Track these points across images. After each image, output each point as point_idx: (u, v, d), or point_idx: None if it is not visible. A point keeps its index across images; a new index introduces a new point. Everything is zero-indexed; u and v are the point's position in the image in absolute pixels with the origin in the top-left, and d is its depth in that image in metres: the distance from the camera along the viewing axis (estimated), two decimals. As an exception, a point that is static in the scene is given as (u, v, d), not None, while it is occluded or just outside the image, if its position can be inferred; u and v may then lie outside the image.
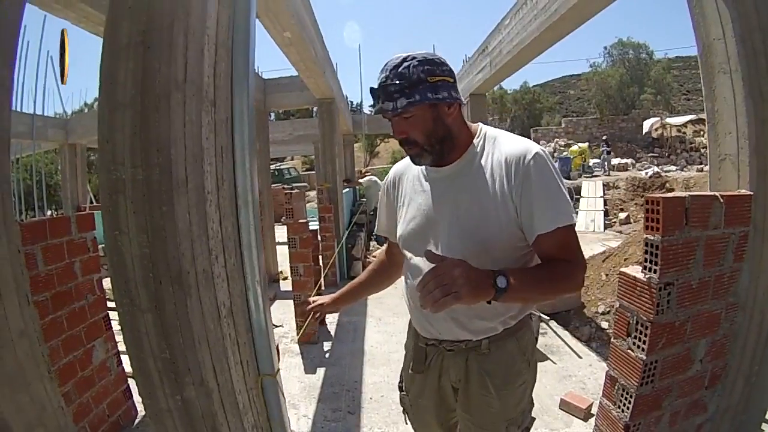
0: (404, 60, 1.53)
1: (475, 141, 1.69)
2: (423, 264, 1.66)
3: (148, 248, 1.51)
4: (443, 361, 1.81)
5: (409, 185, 1.86)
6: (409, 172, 1.88)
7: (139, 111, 1.52)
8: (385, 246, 2.21)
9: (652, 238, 2.10)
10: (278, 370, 1.56)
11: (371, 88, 1.57)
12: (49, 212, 18.08)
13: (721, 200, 2.16)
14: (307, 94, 8.95)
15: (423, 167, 1.78)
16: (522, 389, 1.78)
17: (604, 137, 24.90)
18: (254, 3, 1.64)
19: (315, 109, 10.94)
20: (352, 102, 39.21)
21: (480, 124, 1.77)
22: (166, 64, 1.54)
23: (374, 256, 10.19)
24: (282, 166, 31.40)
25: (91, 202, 14.78)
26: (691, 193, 2.12)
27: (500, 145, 1.63)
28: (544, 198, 1.52)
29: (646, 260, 2.14)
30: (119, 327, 1.67)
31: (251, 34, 1.52)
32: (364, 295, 2.29)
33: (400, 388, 2.06)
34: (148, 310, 1.56)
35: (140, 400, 3.93)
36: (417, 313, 1.81)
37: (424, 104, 1.53)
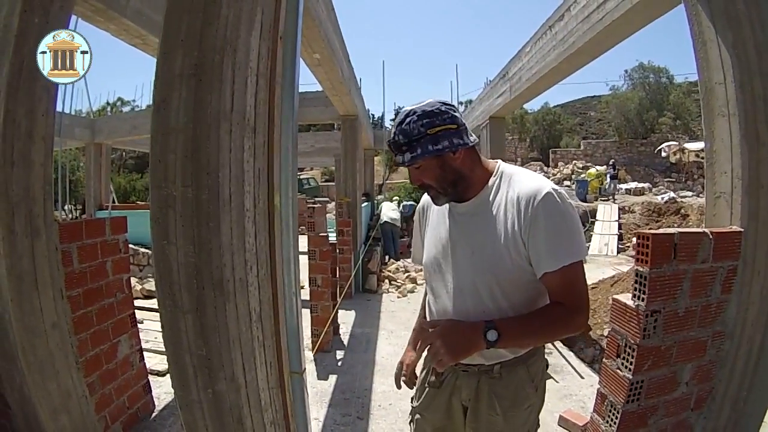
0: (407, 116, 1.67)
1: (491, 179, 1.78)
2: (443, 291, 1.85)
3: (194, 258, 1.72)
4: (457, 380, 1.91)
5: (434, 215, 1.97)
6: None
7: (191, 137, 1.73)
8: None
9: (641, 269, 2.29)
10: (305, 368, 1.75)
11: (387, 143, 1.74)
12: (67, 206, 18.37)
13: (710, 236, 2.34)
14: (331, 109, 9.16)
15: None
16: (528, 412, 1.87)
17: (611, 161, 24.48)
18: (299, 45, 1.83)
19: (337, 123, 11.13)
20: (373, 115, 39.37)
21: (499, 161, 1.86)
22: (216, 96, 1.75)
23: (389, 271, 10.37)
24: (301, 176, 31.54)
25: (114, 202, 15.05)
26: (680, 230, 2.30)
27: (515, 184, 1.72)
28: (552, 236, 1.60)
29: (635, 289, 2.33)
30: (161, 325, 1.87)
31: (297, 75, 1.71)
32: None
33: (412, 400, 2.14)
34: (190, 311, 1.77)
35: (158, 395, 4.17)
36: None
37: (425, 157, 1.66)
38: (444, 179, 1.73)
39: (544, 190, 1.62)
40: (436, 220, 1.95)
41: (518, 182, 1.72)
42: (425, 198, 2.05)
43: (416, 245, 2.16)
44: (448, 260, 1.83)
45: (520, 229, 1.63)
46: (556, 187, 1.67)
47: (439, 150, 1.65)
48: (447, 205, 1.88)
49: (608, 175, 22.24)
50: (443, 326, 1.66)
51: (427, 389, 2.02)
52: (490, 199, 1.75)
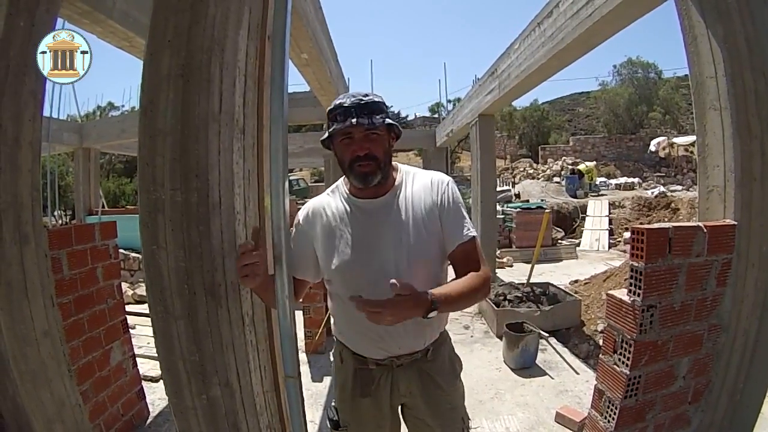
0: (367, 94, 1.80)
1: (400, 175, 1.96)
2: (365, 286, 1.75)
3: (185, 262, 1.69)
4: (393, 377, 1.95)
5: (331, 219, 1.91)
6: (328, 207, 1.94)
7: (179, 139, 1.70)
8: None
9: (636, 264, 2.28)
10: (299, 372, 1.73)
11: (342, 106, 1.75)
12: (57, 212, 18.30)
13: (705, 230, 2.33)
14: (320, 109, 9.07)
15: (347, 201, 1.91)
16: (461, 383, 2.10)
17: (574, 161, 24.91)
18: (288, 44, 1.80)
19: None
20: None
21: (396, 163, 2.01)
22: (204, 97, 1.72)
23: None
24: (291, 177, 31.35)
25: (103, 207, 14.98)
26: (674, 224, 2.30)
27: (419, 176, 1.96)
28: (460, 215, 1.88)
29: (631, 284, 2.32)
30: (153, 331, 1.84)
31: (286, 75, 1.67)
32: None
33: (337, 424, 1.88)
34: (181, 317, 1.74)
35: (152, 401, 4.12)
36: (373, 336, 1.89)
37: (388, 126, 1.80)
38: (386, 155, 1.84)
39: (447, 178, 1.95)
40: (338, 221, 1.91)
41: (422, 175, 1.98)
42: (310, 207, 2.02)
43: (303, 254, 1.97)
44: (372, 254, 1.83)
45: (436, 210, 1.86)
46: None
47: (395, 126, 1.85)
48: (348, 207, 1.91)
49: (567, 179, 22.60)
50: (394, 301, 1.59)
51: (355, 401, 2.00)
52: (404, 191, 1.91)
